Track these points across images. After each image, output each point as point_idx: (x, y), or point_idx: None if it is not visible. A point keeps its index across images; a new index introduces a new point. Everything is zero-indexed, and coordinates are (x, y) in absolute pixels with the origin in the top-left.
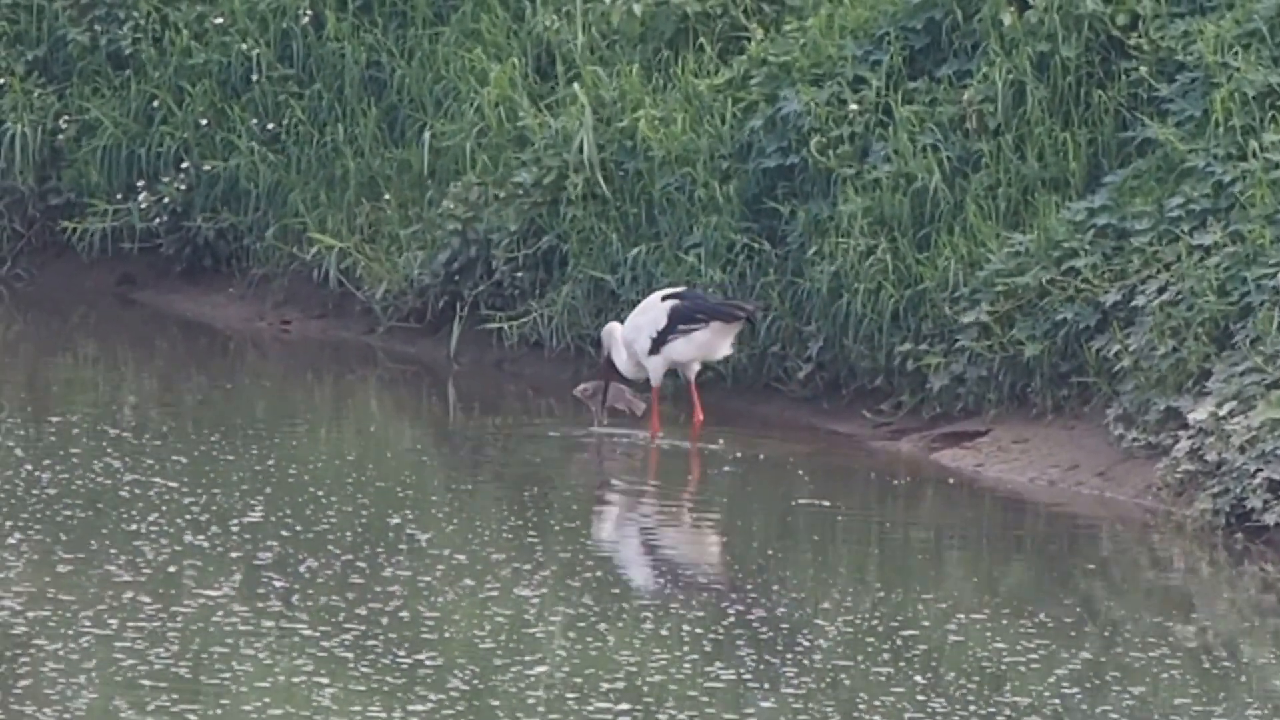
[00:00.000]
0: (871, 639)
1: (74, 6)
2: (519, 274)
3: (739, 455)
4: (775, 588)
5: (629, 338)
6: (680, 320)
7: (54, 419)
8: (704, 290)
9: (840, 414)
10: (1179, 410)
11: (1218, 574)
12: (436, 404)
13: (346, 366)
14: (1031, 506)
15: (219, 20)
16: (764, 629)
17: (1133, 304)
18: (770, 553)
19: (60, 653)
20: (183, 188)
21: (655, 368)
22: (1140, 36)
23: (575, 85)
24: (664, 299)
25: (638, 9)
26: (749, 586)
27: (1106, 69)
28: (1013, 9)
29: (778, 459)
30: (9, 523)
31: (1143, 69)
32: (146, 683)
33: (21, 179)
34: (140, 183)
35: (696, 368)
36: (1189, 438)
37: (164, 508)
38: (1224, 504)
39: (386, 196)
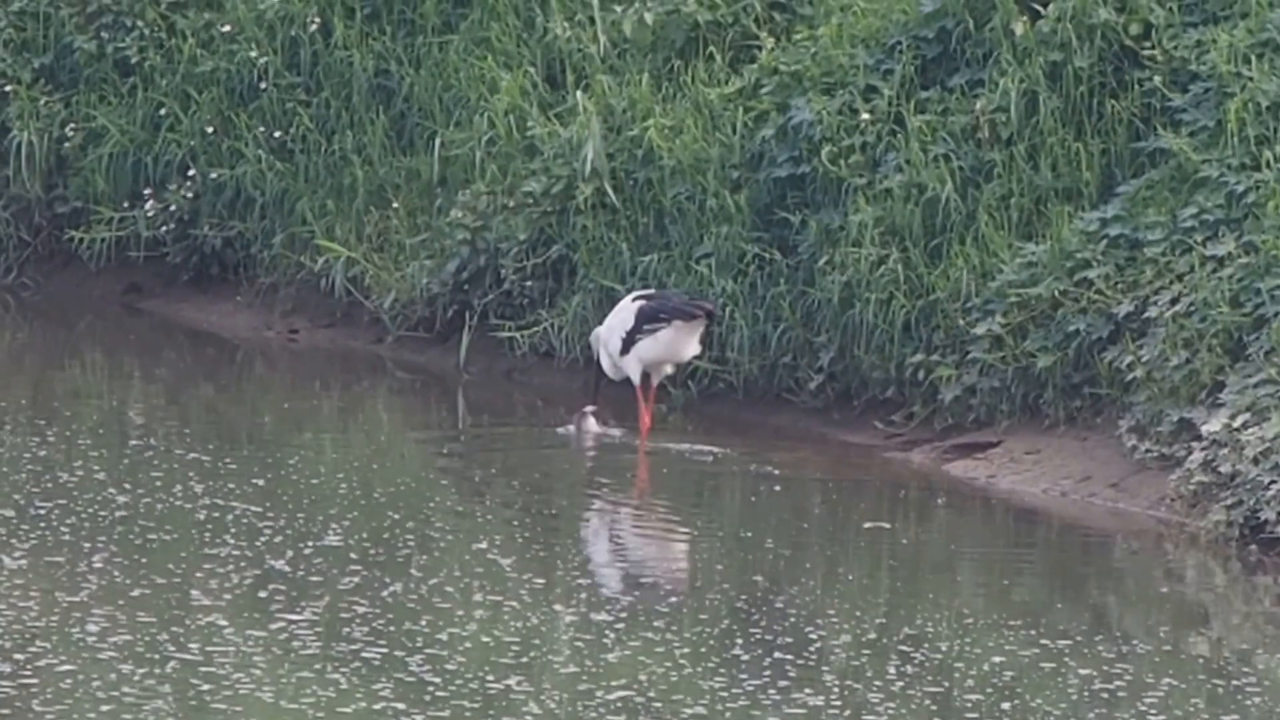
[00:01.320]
0: (883, 650)
1: (81, 14)
2: (528, 283)
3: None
4: (785, 599)
5: (606, 339)
6: (645, 320)
7: (132, 440)
8: (674, 291)
9: (852, 425)
10: (1192, 422)
11: (1231, 586)
12: (451, 414)
13: (355, 376)
14: (1044, 518)
15: (226, 28)
16: (774, 640)
17: (1146, 315)
18: (779, 565)
19: (141, 678)
20: (189, 196)
21: (630, 368)
22: (1153, 46)
23: (580, 94)
24: (634, 300)
25: (649, 18)
26: (758, 597)
27: (1119, 79)
28: (1025, 18)
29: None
30: (87, 544)
31: (1156, 79)
32: (222, 706)
33: (28, 187)
34: (147, 191)
35: (668, 369)
36: (1202, 449)
37: (243, 530)
38: (1237, 516)
39: (395, 205)
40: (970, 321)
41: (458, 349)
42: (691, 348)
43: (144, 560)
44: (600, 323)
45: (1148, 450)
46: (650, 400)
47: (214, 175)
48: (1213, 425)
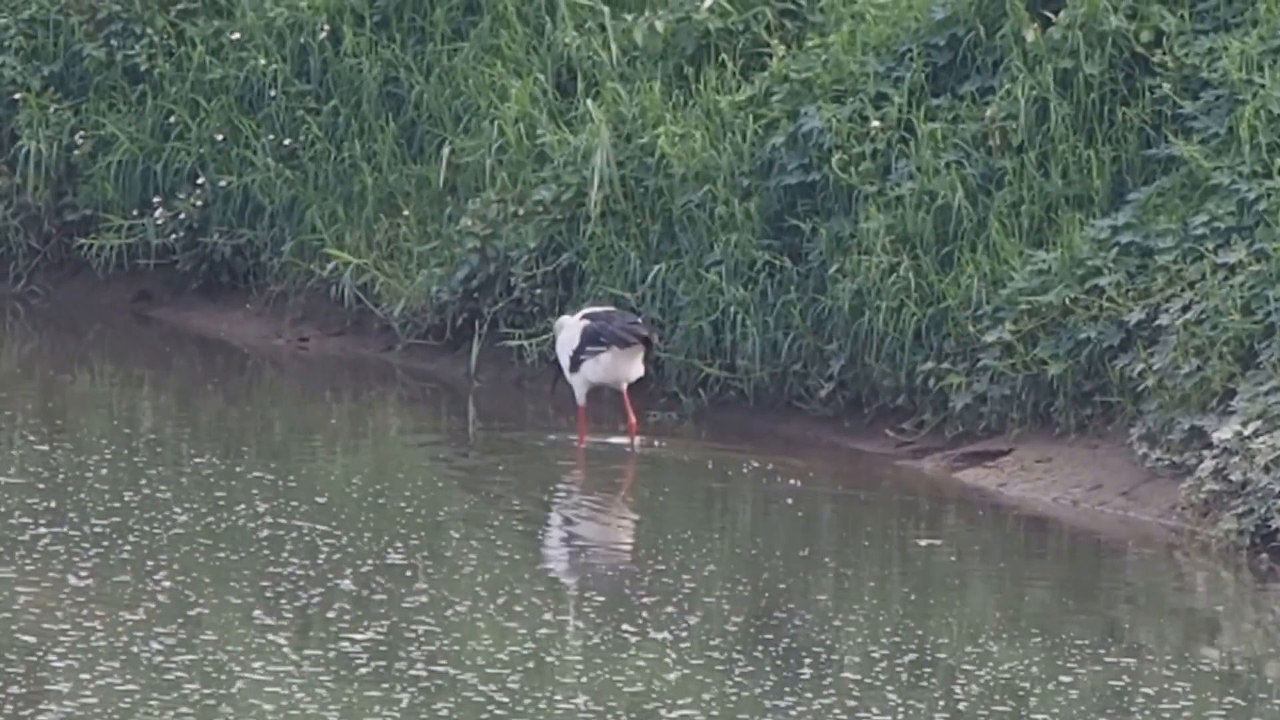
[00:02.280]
0: (893, 658)
1: (90, 22)
2: (538, 291)
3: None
4: (795, 606)
5: (559, 354)
6: (588, 341)
7: (195, 458)
8: (620, 312)
9: (862, 433)
10: (1203, 430)
11: (1242, 594)
12: (489, 428)
13: (366, 385)
14: (1054, 526)
15: (235, 35)
16: (783, 647)
17: (1157, 323)
18: (790, 571)
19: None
20: (199, 204)
21: (576, 385)
22: (1164, 53)
23: (590, 102)
24: (582, 319)
25: (660, 25)
26: (766, 604)
27: (1130, 86)
28: (1036, 25)
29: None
30: (150, 563)
31: (1167, 86)
32: None
33: (37, 195)
34: (156, 199)
35: (622, 385)
36: (1213, 457)
37: (304, 547)
38: (1249, 524)
39: (405, 213)
40: (981, 329)
41: (468, 357)
42: (634, 370)
43: (206, 579)
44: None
45: (1159, 458)
46: (631, 409)
47: (223, 183)
48: (1224, 433)
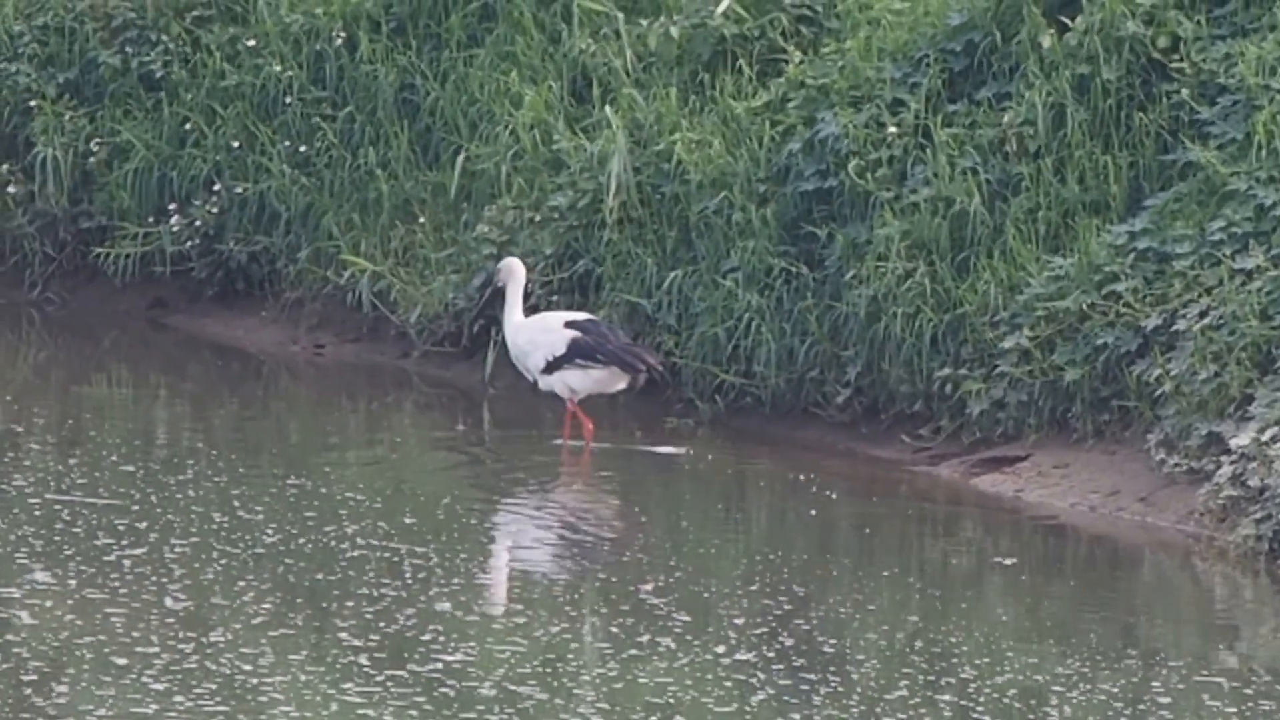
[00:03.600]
0: (912, 663)
1: (105, 29)
2: (554, 298)
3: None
4: (811, 609)
5: (523, 347)
6: (579, 354)
7: (291, 479)
8: (606, 323)
9: (879, 439)
10: (1221, 435)
11: (1260, 600)
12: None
13: (382, 390)
14: (1072, 532)
15: (251, 42)
16: (801, 652)
17: (1174, 328)
18: (808, 572)
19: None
20: (214, 211)
21: (555, 385)
22: (1181, 59)
23: (609, 109)
24: (566, 325)
25: (675, 32)
26: (785, 608)
27: (1147, 91)
28: (1052, 31)
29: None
30: (240, 582)
31: (1184, 91)
32: None
33: (53, 202)
34: (172, 206)
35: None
36: (1231, 463)
37: (396, 567)
38: (1267, 530)
39: (421, 219)
40: (998, 335)
41: (483, 363)
42: (619, 386)
43: (298, 599)
44: (632, 339)
45: (1176, 464)
46: (571, 426)
47: (239, 190)
48: (1241, 439)
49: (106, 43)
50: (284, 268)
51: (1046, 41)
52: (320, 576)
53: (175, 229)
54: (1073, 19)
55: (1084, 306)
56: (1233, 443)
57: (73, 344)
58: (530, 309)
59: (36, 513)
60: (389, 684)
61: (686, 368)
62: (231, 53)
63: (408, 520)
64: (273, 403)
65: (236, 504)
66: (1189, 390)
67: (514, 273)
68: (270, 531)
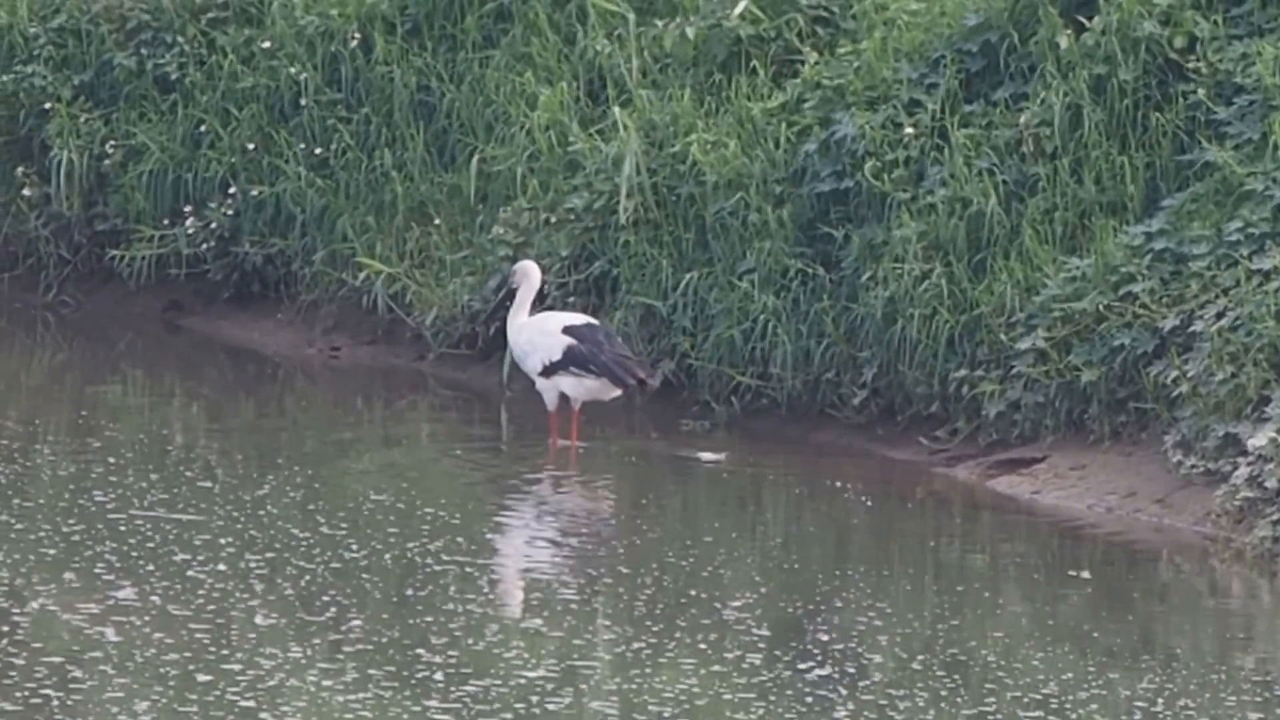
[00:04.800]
0: (929, 666)
1: (120, 31)
2: (570, 300)
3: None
4: (830, 613)
5: (524, 348)
6: (574, 362)
7: (364, 494)
8: (605, 330)
9: (896, 440)
10: (1238, 436)
11: (1277, 601)
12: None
13: (399, 393)
14: (1089, 534)
15: (266, 44)
16: (818, 656)
17: (1191, 329)
18: (823, 578)
19: None
20: (230, 213)
21: (546, 392)
22: (1198, 59)
23: (618, 110)
24: (564, 330)
25: (690, 32)
26: (801, 613)
27: (1164, 92)
28: (1069, 31)
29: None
30: (325, 598)
31: (1201, 92)
32: None
33: (68, 205)
34: (187, 208)
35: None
36: (1248, 464)
37: (474, 582)
38: None
39: (436, 221)
40: (1014, 336)
41: (500, 366)
42: (614, 394)
43: (385, 615)
44: (648, 341)
45: (1193, 465)
46: (557, 427)
47: (254, 192)
48: (1258, 440)
49: (121, 45)
50: (299, 270)
51: (1063, 42)
52: (405, 591)
53: (190, 231)
54: (1089, 19)
55: (1100, 307)
56: (1250, 444)
57: (88, 347)
58: (545, 310)
59: (121, 528)
60: (469, 700)
61: (703, 370)
62: (247, 55)
63: (488, 535)
64: (324, 411)
65: (320, 518)
66: (1206, 391)
67: (528, 275)
68: (353, 546)
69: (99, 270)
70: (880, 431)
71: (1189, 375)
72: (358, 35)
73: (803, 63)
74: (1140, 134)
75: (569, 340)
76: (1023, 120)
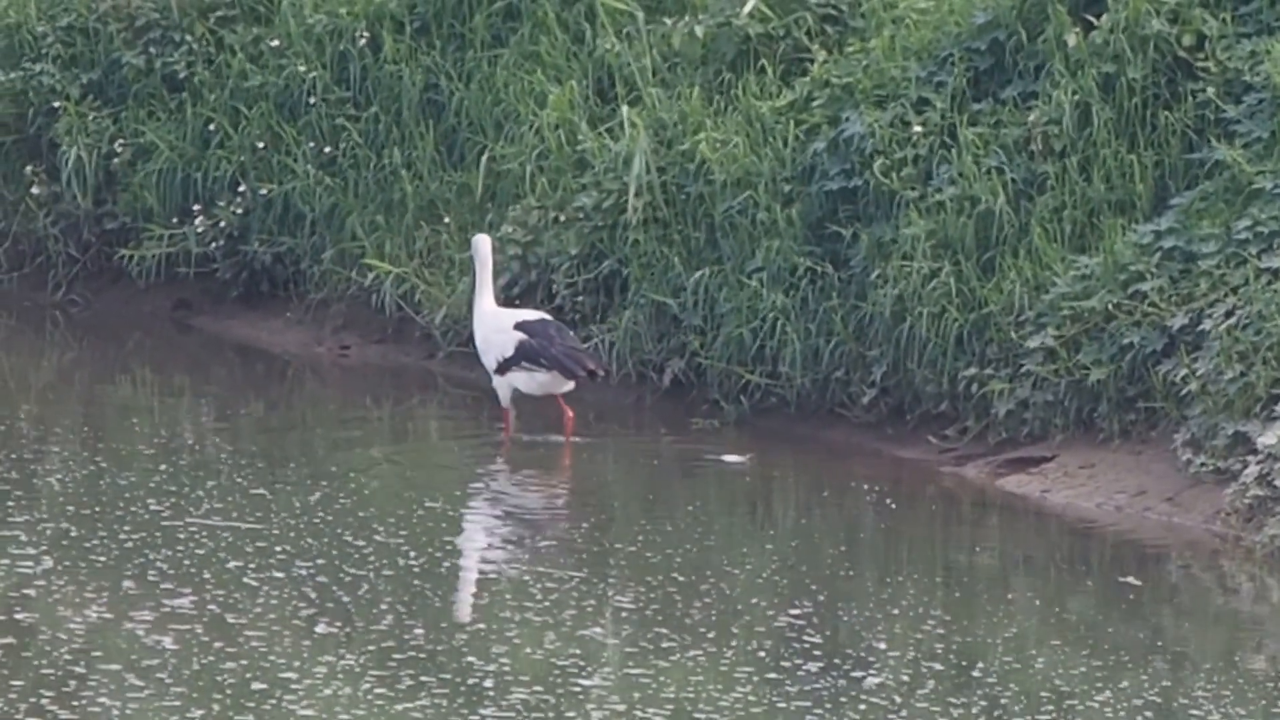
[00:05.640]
0: (937, 665)
1: (129, 30)
2: (580, 299)
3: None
4: (837, 613)
5: (480, 346)
6: (525, 357)
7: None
8: (556, 325)
9: (905, 439)
10: (1247, 435)
11: None
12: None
13: (406, 392)
14: (1098, 532)
15: (275, 43)
16: (825, 655)
17: (1200, 328)
18: (831, 576)
19: None
20: (239, 212)
21: (500, 389)
22: (1207, 57)
23: (627, 109)
24: (516, 326)
25: (699, 31)
26: (807, 611)
27: (1173, 90)
28: (1078, 30)
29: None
30: (382, 605)
31: (1210, 90)
32: None
33: (77, 203)
34: (196, 207)
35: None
36: (1258, 463)
37: (529, 591)
38: None
39: (445, 220)
40: (1023, 335)
41: None
42: (567, 386)
43: (442, 623)
44: (657, 340)
45: (1203, 464)
46: (567, 412)
47: (263, 191)
48: (1268, 438)
49: (130, 43)
50: (309, 269)
51: (1072, 40)
52: (459, 598)
53: (200, 230)
54: (1098, 17)
55: (1109, 306)
56: (1259, 442)
57: (97, 346)
58: (556, 309)
59: (179, 535)
60: (522, 708)
61: (712, 368)
62: (255, 53)
63: (542, 543)
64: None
65: (376, 525)
66: (1215, 390)
67: (478, 251)
68: (408, 553)
69: (108, 269)
70: (889, 430)
71: (1198, 374)
72: (366, 34)
73: (811, 61)
74: (1149, 132)
75: (520, 336)
76: (1031, 119)
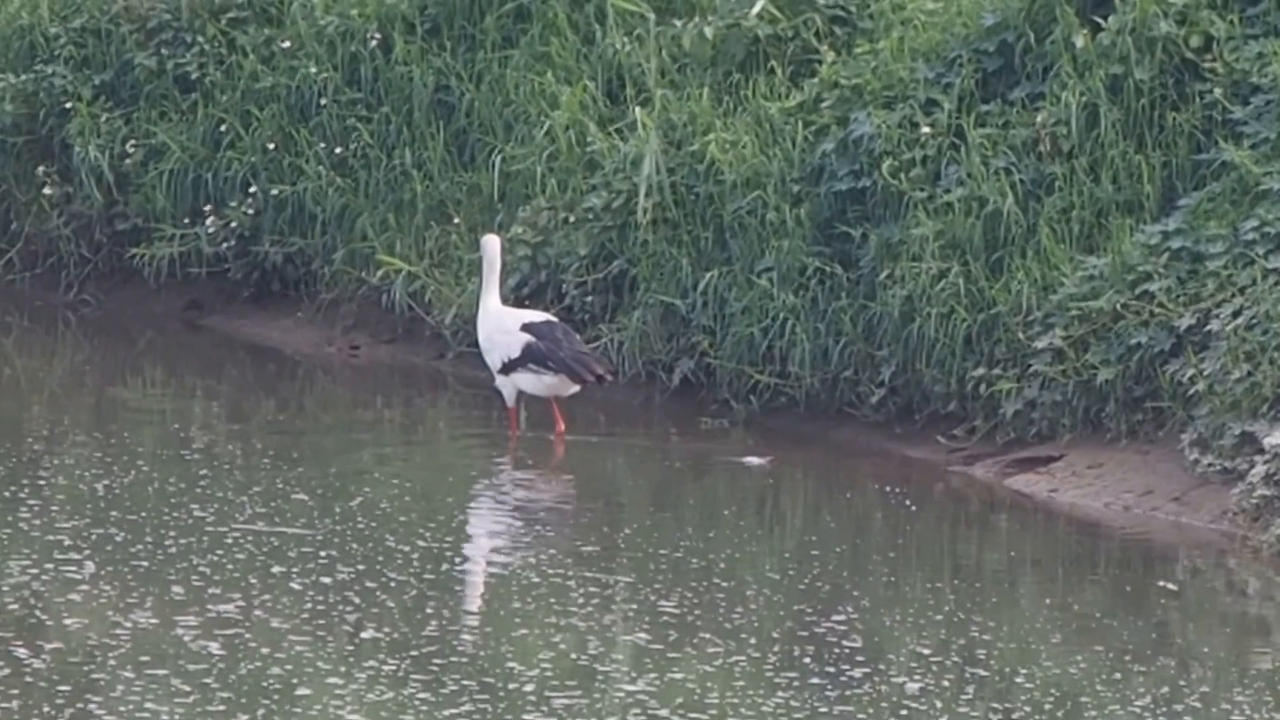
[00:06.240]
0: (945, 664)
1: (141, 31)
2: (589, 299)
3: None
4: (848, 612)
5: (483, 345)
6: (532, 359)
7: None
8: (563, 328)
9: (914, 439)
10: (1254, 435)
11: None
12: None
13: (416, 391)
14: (1106, 532)
15: (286, 44)
16: (835, 654)
17: (1207, 328)
18: (842, 577)
19: None
20: (250, 212)
21: (505, 389)
22: (1214, 59)
23: (638, 110)
24: (523, 327)
25: (709, 32)
26: (819, 612)
27: (1180, 91)
28: (1085, 31)
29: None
30: (420, 613)
31: (1217, 91)
32: None
33: (89, 204)
34: (208, 207)
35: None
36: (1265, 462)
37: (572, 595)
38: None
39: (455, 220)
40: (1031, 335)
41: None
42: (573, 389)
43: (487, 628)
44: (666, 340)
45: (1210, 464)
46: (559, 425)
47: (275, 191)
48: (1275, 438)
49: (142, 45)
50: (319, 269)
51: (1080, 41)
52: (504, 605)
53: (211, 230)
54: (1105, 19)
55: (1117, 306)
56: (1266, 442)
57: (109, 346)
58: (565, 309)
59: (229, 540)
60: (565, 713)
61: (722, 368)
62: (267, 54)
63: (584, 548)
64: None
65: (422, 531)
66: (1222, 390)
67: (486, 251)
68: (452, 558)
69: (120, 269)
70: (898, 430)
71: (1205, 374)
72: (377, 35)
73: (820, 62)
74: (1157, 133)
75: (527, 338)
76: (1039, 120)
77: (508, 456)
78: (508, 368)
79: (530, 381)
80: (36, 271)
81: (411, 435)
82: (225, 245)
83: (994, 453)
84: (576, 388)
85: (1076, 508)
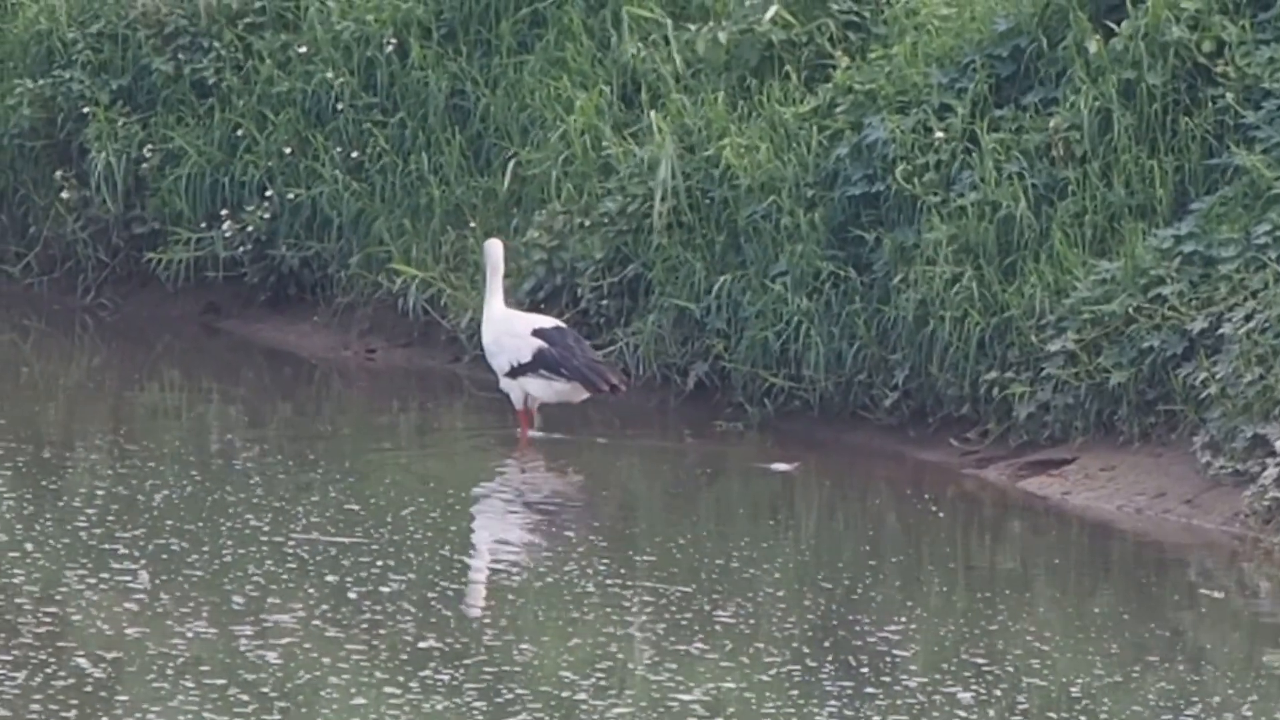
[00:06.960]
0: (957, 667)
1: (158, 36)
2: (604, 302)
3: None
4: (860, 615)
5: (489, 348)
6: (544, 365)
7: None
8: (574, 334)
9: (927, 442)
10: (1266, 437)
11: None
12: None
13: (430, 395)
14: (1118, 534)
15: (303, 49)
16: (849, 656)
17: (1220, 331)
18: (853, 580)
19: None
20: (267, 216)
21: (513, 392)
22: (1226, 63)
23: (653, 114)
24: (534, 333)
25: (723, 37)
26: (831, 614)
27: (1193, 96)
28: (1098, 36)
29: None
30: (476, 623)
31: (1229, 96)
32: None
33: (106, 208)
34: (224, 211)
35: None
36: (1276, 465)
37: (625, 604)
38: None
39: (471, 225)
40: (1044, 338)
41: None
42: (581, 397)
43: (544, 637)
44: (681, 344)
45: (1222, 466)
46: (529, 422)
47: (291, 196)
48: None
49: (159, 50)
50: (335, 273)
51: (1093, 47)
52: (559, 614)
53: (228, 234)
54: (1118, 24)
55: (1130, 310)
56: (1278, 445)
57: (126, 349)
58: (580, 313)
59: (286, 550)
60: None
61: (736, 372)
62: (283, 59)
63: (637, 558)
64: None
65: (474, 541)
66: (1234, 393)
67: (488, 255)
68: (506, 569)
69: (137, 273)
70: (911, 433)
71: (1218, 377)
72: (393, 40)
73: (834, 67)
74: (1169, 138)
75: (539, 343)
76: (1052, 124)
77: (539, 461)
78: (516, 372)
79: (540, 387)
80: (54, 275)
81: (450, 445)
82: (242, 249)
83: (1007, 455)
84: (586, 395)
85: (1089, 510)
